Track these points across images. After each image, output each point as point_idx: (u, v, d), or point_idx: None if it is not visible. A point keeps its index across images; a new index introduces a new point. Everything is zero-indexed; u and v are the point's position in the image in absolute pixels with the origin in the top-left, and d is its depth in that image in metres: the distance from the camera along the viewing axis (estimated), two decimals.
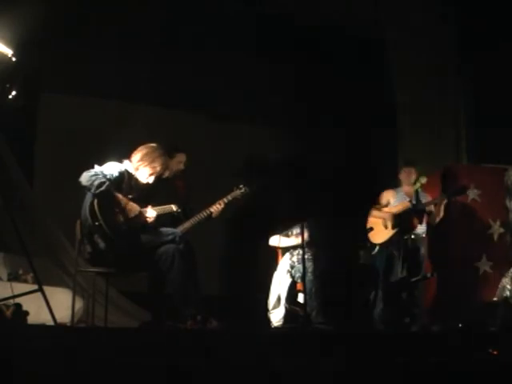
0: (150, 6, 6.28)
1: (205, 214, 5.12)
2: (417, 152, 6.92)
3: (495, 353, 3.74)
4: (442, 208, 5.77)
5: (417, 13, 7.25)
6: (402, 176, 6.04)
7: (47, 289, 3.98)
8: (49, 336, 3.04)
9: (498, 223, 6.15)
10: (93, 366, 2.74)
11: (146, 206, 4.54)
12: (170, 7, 6.37)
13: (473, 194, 6.20)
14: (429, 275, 5.74)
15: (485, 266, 6.07)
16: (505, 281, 5.37)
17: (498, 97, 6.68)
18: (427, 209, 5.83)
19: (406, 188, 5.96)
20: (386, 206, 5.96)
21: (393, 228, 5.76)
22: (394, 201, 5.94)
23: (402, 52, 7.28)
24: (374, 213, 5.92)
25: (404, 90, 7.27)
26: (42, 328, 3.69)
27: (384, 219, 5.81)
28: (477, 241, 6.14)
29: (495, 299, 5.38)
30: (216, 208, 5.13)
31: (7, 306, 4.34)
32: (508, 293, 5.27)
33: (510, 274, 5.37)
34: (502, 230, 6.12)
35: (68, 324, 4.58)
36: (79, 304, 5.09)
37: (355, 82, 6.98)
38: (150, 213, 4.53)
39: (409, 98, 7.26)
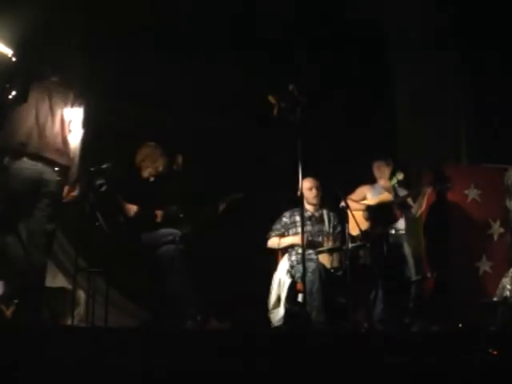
0: (150, 6, 6.28)
1: (201, 215, 5.15)
2: (417, 152, 6.93)
3: (495, 353, 3.74)
4: (425, 199, 5.73)
5: (417, 13, 7.26)
6: (374, 171, 6.01)
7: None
8: (49, 336, 3.04)
9: (497, 223, 6.16)
10: (93, 366, 2.74)
11: (155, 206, 4.56)
12: (169, 7, 6.37)
13: (473, 193, 6.21)
14: (429, 275, 5.74)
15: (485, 265, 6.08)
16: (505, 281, 5.37)
17: (498, 97, 6.68)
18: (407, 201, 5.80)
19: (382, 182, 5.94)
20: (363, 200, 5.92)
21: (373, 220, 5.71)
22: (370, 195, 5.89)
23: (402, 52, 7.29)
24: (354, 205, 5.86)
25: (404, 89, 7.27)
26: (42, 328, 3.69)
27: (363, 211, 5.76)
28: (477, 241, 6.14)
29: (495, 299, 5.38)
30: (220, 206, 5.17)
31: (7, 306, 4.34)
32: (508, 293, 5.27)
33: (510, 274, 5.37)
34: (501, 230, 6.12)
35: (68, 324, 4.58)
36: (79, 304, 5.09)
37: (356, 81, 6.98)
38: (157, 212, 4.55)
39: (409, 97, 7.26)
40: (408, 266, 5.81)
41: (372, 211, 5.73)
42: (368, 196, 5.90)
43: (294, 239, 5.46)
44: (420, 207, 5.77)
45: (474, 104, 7.21)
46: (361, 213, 5.76)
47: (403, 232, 5.86)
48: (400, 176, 5.79)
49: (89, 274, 4.77)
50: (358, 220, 5.60)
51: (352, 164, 7.22)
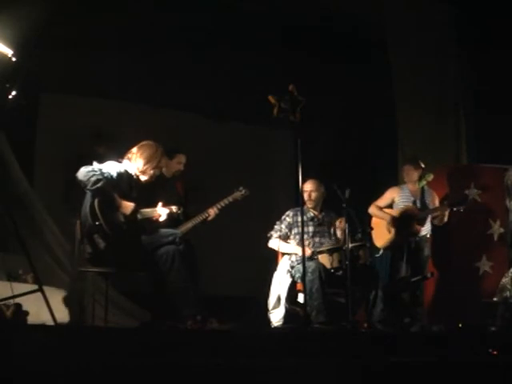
0: (150, 7, 6.28)
1: (201, 217, 5.18)
2: (417, 152, 6.92)
3: (495, 353, 3.74)
4: (446, 215, 5.81)
5: (417, 13, 7.25)
6: (403, 174, 6.07)
7: (47, 289, 3.98)
8: (49, 336, 3.04)
9: (497, 223, 6.15)
10: (93, 366, 2.74)
11: (155, 205, 4.56)
12: (169, 8, 6.37)
13: (473, 193, 6.20)
14: (429, 275, 5.74)
15: (485, 266, 6.07)
16: (505, 281, 5.37)
17: (498, 97, 6.68)
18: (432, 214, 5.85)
19: (411, 185, 5.98)
20: (391, 204, 5.96)
21: (395, 232, 5.76)
22: (398, 199, 5.94)
23: (402, 52, 7.28)
24: (376, 212, 5.93)
25: (404, 89, 7.27)
26: (41, 328, 3.68)
27: (386, 221, 5.81)
28: (477, 241, 6.14)
29: (495, 299, 5.38)
30: (211, 212, 5.19)
31: (7, 306, 4.34)
32: (508, 293, 5.26)
33: (510, 274, 5.36)
34: (501, 230, 6.12)
35: (68, 324, 4.58)
36: (79, 304, 5.09)
37: (356, 82, 6.98)
38: (162, 210, 4.54)
39: (409, 97, 7.26)
40: (425, 268, 5.84)
41: (394, 223, 5.80)
42: (396, 199, 5.96)
43: (295, 249, 5.44)
44: (441, 221, 5.84)
45: (474, 104, 7.21)
46: (384, 222, 5.84)
47: (428, 236, 5.88)
48: (429, 178, 5.84)
49: (89, 274, 4.77)
50: (382, 229, 5.80)
51: (352, 164, 7.24)
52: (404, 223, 5.75)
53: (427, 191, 5.92)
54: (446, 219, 5.84)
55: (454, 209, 5.74)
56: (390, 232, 5.79)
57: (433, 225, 5.91)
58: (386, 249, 5.87)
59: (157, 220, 4.57)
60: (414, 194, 5.91)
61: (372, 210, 5.98)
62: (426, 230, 5.87)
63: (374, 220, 5.95)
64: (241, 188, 5.39)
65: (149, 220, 4.54)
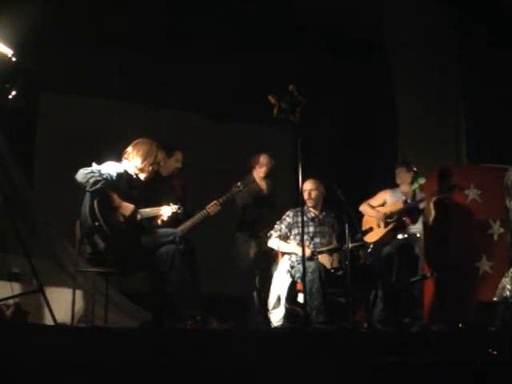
0: (150, 6, 6.29)
1: (202, 214, 5.18)
2: (417, 152, 6.93)
3: (495, 353, 3.74)
4: (432, 206, 5.79)
5: (417, 13, 7.26)
6: (396, 177, 6.08)
7: (47, 289, 3.98)
8: (49, 336, 3.04)
9: (497, 223, 6.15)
10: (93, 366, 2.74)
11: (155, 205, 4.56)
12: (169, 8, 6.38)
13: (473, 193, 6.20)
14: (429, 275, 5.74)
15: (485, 266, 6.07)
16: (505, 281, 5.37)
17: (498, 97, 6.69)
18: (421, 206, 5.84)
19: (403, 188, 6.00)
20: (383, 204, 5.99)
21: (385, 227, 5.79)
22: (390, 200, 5.98)
23: (402, 52, 7.29)
24: (368, 211, 5.95)
25: (404, 90, 7.28)
26: (41, 328, 3.69)
27: (377, 218, 5.84)
28: (477, 241, 6.13)
29: (495, 299, 5.38)
30: (212, 208, 5.19)
31: (7, 306, 4.34)
32: (508, 293, 5.26)
33: (510, 274, 5.37)
34: (501, 230, 6.12)
35: (68, 324, 4.58)
36: (79, 304, 5.09)
37: (356, 82, 6.99)
38: (166, 210, 4.54)
39: (409, 97, 7.27)
40: (418, 266, 5.84)
41: (384, 218, 5.85)
42: (388, 200, 6.00)
43: (294, 249, 5.44)
44: (430, 214, 5.82)
45: (474, 104, 7.22)
46: (374, 219, 5.88)
47: (417, 235, 5.88)
48: (422, 181, 5.86)
49: (89, 274, 4.77)
50: (372, 226, 5.81)
51: (352, 164, 7.24)
52: (392, 218, 5.81)
53: (418, 194, 5.96)
54: (433, 212, 5.82)
55: (441, 196, 5.75)
56: (379, 227, 5.82)
57: (424, 224, 5.92)
58: (376, 245, 5.87)
59: (162, 220, 4.57)
60: (405, 195, 5.94)
61: (363, 207, 6.01)
62: (416, 228, 5.88)
63: (365, 218, 5.96)
64: (238, 184, 5.45)
65: (150, 220, 4.54)
